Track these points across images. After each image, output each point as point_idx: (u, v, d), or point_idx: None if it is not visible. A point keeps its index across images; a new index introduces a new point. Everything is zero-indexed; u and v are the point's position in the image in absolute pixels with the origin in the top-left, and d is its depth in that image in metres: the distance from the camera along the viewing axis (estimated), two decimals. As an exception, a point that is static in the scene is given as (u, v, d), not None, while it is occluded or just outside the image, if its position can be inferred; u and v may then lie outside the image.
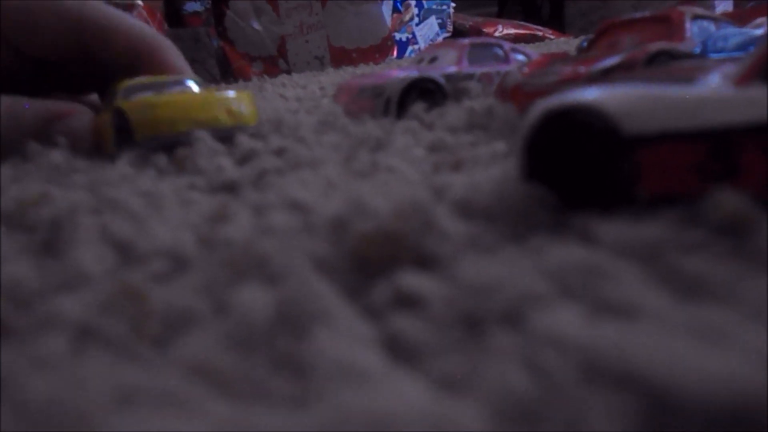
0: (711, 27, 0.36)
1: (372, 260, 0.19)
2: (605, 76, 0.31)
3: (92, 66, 0.52)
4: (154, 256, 0.21)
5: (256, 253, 0.20)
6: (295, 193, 0.26)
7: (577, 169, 0.23)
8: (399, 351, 0.15)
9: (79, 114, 0.45)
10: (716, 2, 1.76)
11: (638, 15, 0.39)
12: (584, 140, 0.22)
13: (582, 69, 0.33)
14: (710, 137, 0.20)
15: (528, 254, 0.19)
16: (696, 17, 0.37)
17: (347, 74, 1.26)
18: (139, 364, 0.14)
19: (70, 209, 0.26)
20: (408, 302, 0.17)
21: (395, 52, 1.67)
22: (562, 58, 0.40)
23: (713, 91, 0.21)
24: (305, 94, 0.94)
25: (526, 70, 0.38)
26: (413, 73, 0.47)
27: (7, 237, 0.25)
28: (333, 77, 1.21)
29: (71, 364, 0.14)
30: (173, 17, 1.68)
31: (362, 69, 1.38)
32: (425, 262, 0.19)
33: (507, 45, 0.53)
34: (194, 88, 0.47)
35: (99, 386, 0.12)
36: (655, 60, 0.31)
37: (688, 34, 0.35)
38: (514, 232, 0.22)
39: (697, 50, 0.32)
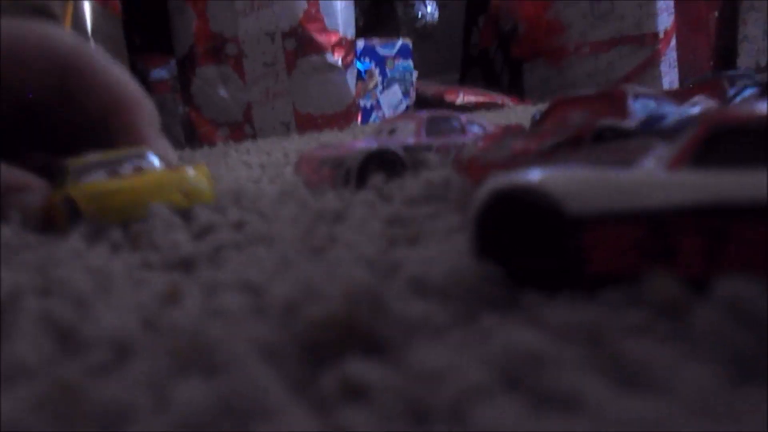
0: (652, 104, 0.38)
1: (321, 346, 0.19)
2: (553, 152, 0.33)
3: (68, 115, 0.51)
4: (97, 344, 0.20)
5: (201, 341, 0.19)
6: (248, 273, 0.26)
7: (525, 248, 0.23)
8: (343, 447, 0.14)
9: (32, 190, 0.44)
10: (663, 69, 1.86)
11: (585, 93, 0.41)
12: (530, 220, 0.23)
13: (532, 144, 0.34)
14: (647, 219, 0.20)
15: (476, 338, 0.19)
16: (638, 95, 0.39)
17: (312, 140, 1.27)
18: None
19: (14, 293, 0.26)
20: (355, 393, 0.16)
21: (360, 119, 1.71)
22: (515, 131, 0.41)
23: (648, 175, 0.22)
24: (269, 160, 0.94)
25: (480, 143, 0.39)
26: (372, 145, 0.48)
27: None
28: (298, 143, 1.23)
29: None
30: (140, 84, 1.69)
31: (327, 135, 1.40)
32: (375, 347, 0.19)
33: (464, 117, 0.54)
34: (153, 163, 0.46)
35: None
36: (601, 136, 0.33)
37: (630, 110, 0.37)
38: (466, 310, 0.22)
39: (639, 128, 0.33)
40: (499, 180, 0.24)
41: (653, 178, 0.21)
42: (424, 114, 0.53)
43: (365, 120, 1.77)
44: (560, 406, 0.14)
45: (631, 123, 0.34)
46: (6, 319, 0.23)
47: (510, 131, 0.42)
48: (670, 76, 1.85)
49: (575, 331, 0.17)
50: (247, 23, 1.55)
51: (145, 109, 0.52)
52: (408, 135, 0.51)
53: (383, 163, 0.47)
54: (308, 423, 0.15)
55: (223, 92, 1.59)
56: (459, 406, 0.14)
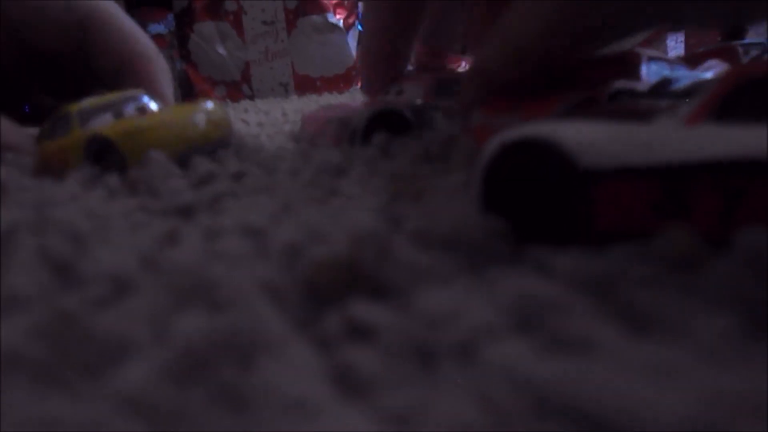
0: (665, 69, 0.38)
1: (325, 288, 0.18)
2: (567, 113, 0.32)
3: (86, 64, 0.52)
4: (95, 279, 0.20)
5: (202, 278, 0.19)
6: (249, 218, 0.25)
7: (533, 202, 0.23)
8: (349, 383, 0.14)
9: (23, 146, 0.43)
10: (669, 44, 1.84)
11: (595, 55, 0.40)
12: (540, 173, 0.22)
13: (543, 108, 0.33)
14: (663, 175, 0.20)
15: (483, 285, 0.18)
16: (651, 59, 0.38)
17: (311, 102, 1.26)
18: (66, 395, 0.13)
19: (11, 229, 0.25)
20: (360, 332, 0.16)
21: (360, 83, 1.68)
22: (525, 95, 0.41)
23: (665, 130, 0.21)
24: (267, 119, 0.93)
25: (489, 107, 0.39)
26: (379, 106, 0.47)
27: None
28: (296, 104, 1.21)
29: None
30: (136, 38, 1.66)
31: (326, 98, 1.38)
32: (379, 291, 0.18)
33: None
34: (152, 104, 0.45)
35: (16, 416, 0.11)
36: (616, 98, 0.32)
37: (643, 74, 0.36)
38: (471, 263, 0.22)
39: (653, 90, 0.33)
40: (508, 132, 0.24)
41: (670, 133, 0.21)
42: (433, 76, 0.52)
43: (365, 84, 1.74)
44: (572, 348, 0.14)
45: (644, 86, 0.33)
46: (2, 253, 0.23)
47: (518, 96, 0.41)
48: (676, 51, 1.83)
49: (586, 282, 0.17)
50: (247, -21, 1.52)
51: (159, 62, 0.53)
52: (416, 96, 0.50)
53: (390, 123, 0.46)
54: (311, 358, 0.15)
55: (221, 50, 1.57)
56: (468, 346, 0.14)
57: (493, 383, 0.12)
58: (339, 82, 1.59)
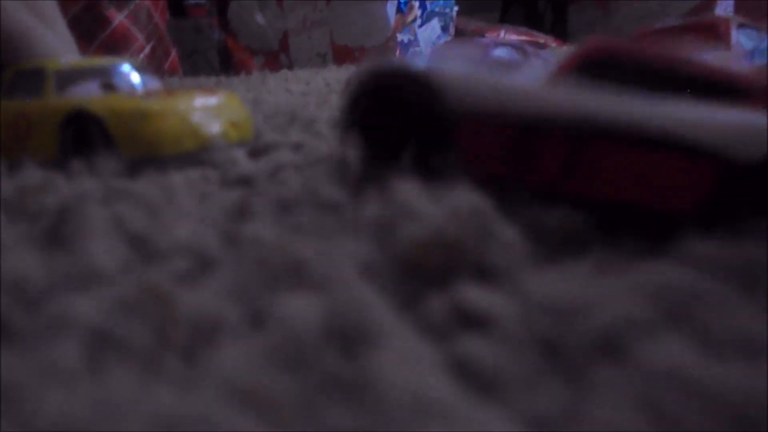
0: (755, 35, 0.35)
1: (424, 268, 0.17)
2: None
3: None
4: (175, 253, 0.19)
5: (291, 254, 0.17)
6: (324, 189, 0.24)
7: (396, 130, 0.24)
8: (471, 378, 0.13)
9: None
10: (718, 12, 1.75)
11: (677, 22, 0.38)
12: (407, 104, 0.23)
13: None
14: (516, 124, 0.21)
15: (593, 270, 0.17)
16: (741, 25, 0.35)
17: (350, 72, 1.23)
18: (171, 383, 0.12)
19: (77, 197, 0.24)
20: (472, 320, 0.15)
21: (398, 53, 1.65)
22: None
23: (526, 82, 0.22)
24: (310, 89, 0.91)
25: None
26: None
27: (7, 226, 0.23)
28: (336, 74, 1.19)
29: (92, 377, 0.12)
30: (176, 7, 1.64)
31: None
32: (483, 273, 0.17)
33: (530, 48, 0.51)
34: (135, 76, 0.39)
35: (132, 412, 0.10)
36: None
37: (733, 41, 0.34)
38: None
39: (747, 59, 0.30)
40: (387, 62, 0.25)
41: (530, 86, 0.22)
42: (488, 41, 0.49)
43: (403, 55, 1.71)
44: (736, 348, 0.12)
45: (736, 54, 0.31)
46: (72, 223, 0.22)
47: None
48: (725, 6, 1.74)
49: (726, 270, 0.15)
50: (287, -54, 1.49)
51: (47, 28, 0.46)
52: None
53: None
54: (424, 347, 0.14)
55: (259, 18, 1.55)
56: (612, 342, 0.12)
57: (654, 386, 0.11)
58: (378, 53, 1.56)
